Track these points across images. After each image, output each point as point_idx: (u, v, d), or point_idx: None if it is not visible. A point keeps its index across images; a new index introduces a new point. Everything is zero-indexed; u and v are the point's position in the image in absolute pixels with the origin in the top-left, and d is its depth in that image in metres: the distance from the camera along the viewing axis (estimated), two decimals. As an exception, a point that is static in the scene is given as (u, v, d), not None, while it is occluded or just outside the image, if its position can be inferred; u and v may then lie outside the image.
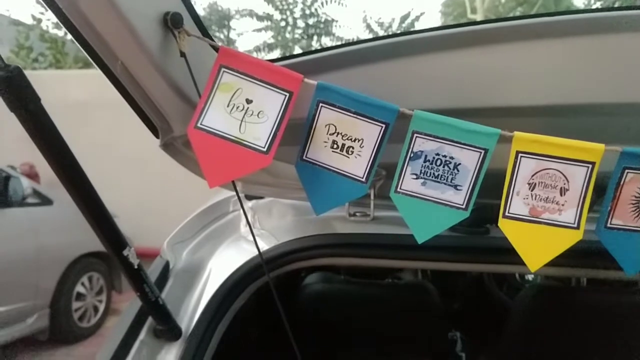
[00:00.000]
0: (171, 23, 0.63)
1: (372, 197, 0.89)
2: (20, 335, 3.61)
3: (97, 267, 4.34)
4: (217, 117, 0.64)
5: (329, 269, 2.00)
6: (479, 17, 9.86)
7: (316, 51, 0.79)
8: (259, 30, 10.00)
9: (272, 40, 9.94)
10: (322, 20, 10.05)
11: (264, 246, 0.89)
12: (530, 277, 2.88)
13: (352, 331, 1.36)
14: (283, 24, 10.07)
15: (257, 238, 0.92)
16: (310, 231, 0.87)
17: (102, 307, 4.36)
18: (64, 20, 0.61)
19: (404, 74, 0.73)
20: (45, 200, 4.10)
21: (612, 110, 0.72)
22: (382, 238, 0.82)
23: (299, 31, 10.27)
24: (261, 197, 0.98)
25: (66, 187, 0.58)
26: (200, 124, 0.64)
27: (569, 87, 0.71)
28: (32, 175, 5.54)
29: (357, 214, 0.90)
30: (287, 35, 10.12)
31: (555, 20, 0.68)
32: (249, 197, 1.00)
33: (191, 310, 0.88)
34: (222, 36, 9.81)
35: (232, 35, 10.04)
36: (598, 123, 0.74)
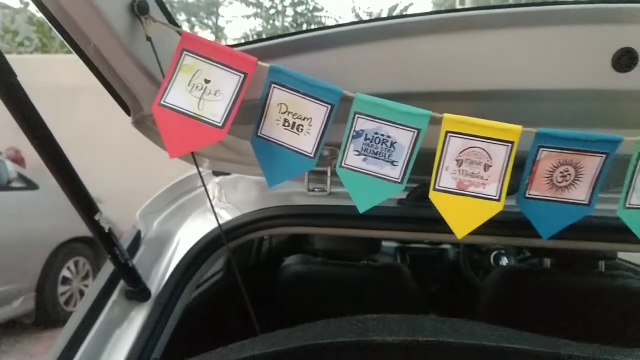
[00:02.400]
0: (138, 10, 0.70)
1: (329, 174, 0.98)
2: (6, 318, 3.66)
3: (83, 252, 4.39)
4: (178, 95, 0.72)
5: (309, 253, 2.09)
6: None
7: (276, 37, 0.86)
8: (248, 17, 10.01)
9: (261, 29, 9.98)
10: (312, 8, 10.09)
11: (228, 217, 0.97)
12: (504, 262, 3.01)
13: (327, 310, 1.45)
14: (272, 11, 10.09)
15: (223, 210, 1.01)
16: (270, 204, 0.96)
17: (88, 292, 4.41)
18: (41, 6, 0.68)
19: (351, 61, 0.81)
20: (31, 185, 4.14)
21: (532, 95, 0.80)
22: (334, 209, 0.91)
23: (289, 19, 10.30)
24: (228, 174, 1.06)
25: (39, 152, 0.65)
26: (164, 102, 0.72)
27: (495, 74, 0.79)
28: (18, 160, 5.56)
29: (316, 189, 0.98)
30: (277, 24, 10.15)
31: (485, 13, 0.77)
32: (217, 174, 1.08)
33: (161, 275, 0.96)
34: (210, 23, 9.81)
35: (221, 22, 10.05)
36: (520, 107, 0.82)
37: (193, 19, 9.52)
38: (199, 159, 1.01)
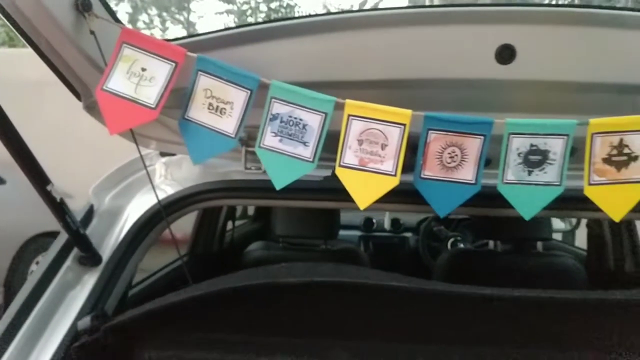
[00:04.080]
0: (81, 7, 0.81)
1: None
2: (-27, 312, 3.66)
3: (52, 247, 4.40)
4: (118, 81, 0.84)
5: (271, 240, 2.21)
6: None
7: (212, 32, 0.98)
8: (221, 13, 10.06)
9: (233, 25, 10.01)
10: (285, 5, 10.19)
11: (171, 192, 1.10)
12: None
13: None
14: (245, 7, 10.16)
15: (168, 187, 1.13)
16: (208, 180, 1.09)
17: (55, 285, 4.44)
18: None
19: (272, 53, 0.93)
20: (-3, 180, 4.15)
21: (426, 84, 0.94)
22: (262, 183, 1.03)
23: (262, 15, 10.38)
24: (173, 154, 1.18)
25: None
26: (105, 87, 0.84)
27: (394, 66, 0.93)
28: (-16, 154, 5.51)
29: (252, 167, 1.11)
30: (250, 20, 10.22)
31: (384, 13, 0.91)
32: (163, 154, 1.20)
33: (112, 244, 1.08)
34: (182, 18, 9.83)
35: (192, 17, 10.06)
36: (416, 94, 0.96)
37: (164, 14, 9.51)
38: (146, 140, 1.13)
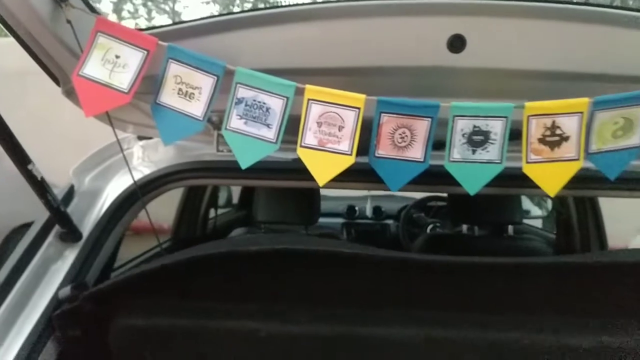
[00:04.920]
0: (58, -2, 0.88)
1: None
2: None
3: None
4: (93, 67, 0.90)
5: (254, 226, 2.28)
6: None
7: (184, 22, 1.05)
8: (207, 2, 10.02)
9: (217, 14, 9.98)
10: (271, -6, 10.16)
11: (147, 172, 1.17)
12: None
13: None
14: (233, -4, 10.15)
15: (146, 168, 1.20)
16: (181, 161, 1.16)
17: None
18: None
19: (238, 42, 1.00)
20: (-19, 167, 4.15)
21: (383, 71, 1.02)
22: (232, 164, 1.11)
23: (248, 5, 10.37)
24: (150, 138, 1.26)
25: None
26: (81, 73, 0.90)
27: (353, 54, 1.01)
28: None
29: (224, 150, 1.18)
30: (236, 9, 10.20)
31: (342, 5, 0.98)
32: (141, 138, 1.27)
33: (92, 221, 1.15)
34: (167, 8, 9.79)
35: (178, 7, 10.01)
36: (373, 81, 1.03)
37: (149, 3, 9.47)
38: (123, 125, 1.19)
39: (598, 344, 0.90)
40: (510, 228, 2.59)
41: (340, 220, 3.70)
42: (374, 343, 0.95)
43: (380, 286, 0.94)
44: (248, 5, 10.28)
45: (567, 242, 2.43)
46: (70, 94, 1.08)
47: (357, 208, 3.73)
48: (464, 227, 2.73)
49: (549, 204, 3.19)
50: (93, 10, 0.95)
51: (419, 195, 3.49)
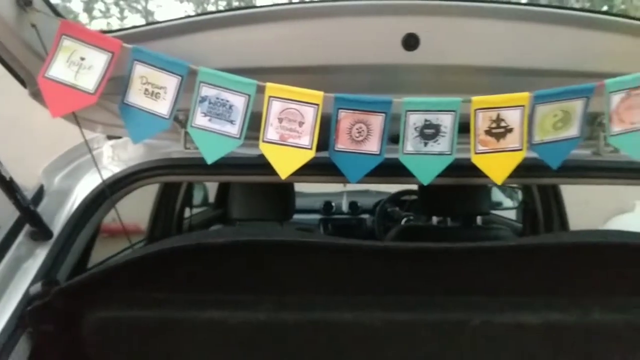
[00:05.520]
0: (22, 2, 0.90)
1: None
2: None
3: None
4: (59, 69, 0.93)
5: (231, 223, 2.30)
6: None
7: (150, 24, 1.09)
8: (180, 0, 9.91)
9: (193, 13, 9.91)
10: (245, -7, 10.14)
11: (116, 170, 1.20)
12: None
13: None
14: (206, -5, 10.08)
15: (114, 167, 1.23)
16: (150, 159, 1.20)
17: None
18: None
19: (202, 43, 1.04)
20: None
21: (341, 69, 1.08)
22: (198, 160, 1.15)
23: (223, 3, 10.33)
24: (119, 137, 1.29)
25: None
26: (47, 75, 0.93)
27: (312, 53, 1.06)
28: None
29: (191, 147, 1.21)
30: (210, 8, 10.14)
31: (302, 6, 1.03)
32: (110, 137, 1.30)
33: (62, 220, 1.18)
34: (139, 7, 9.68)
35: (151, 6, 9.87)
36: (331, 78, 1.09)
37: (121, 2, 9.35)
38: (92, 125, 1.22)
39: (544, 322, 0.98)
40: (479, 219, 2.69)
41: (317, 216, 3.76)
42: (338, 327, 1.01)
43: (342, 273, 1.00)
44: (223, 4, 10.23)
45: (532, 230, 2.54)
46: (37, 95, 1.10)
47: (333, 204, 3.80)
48: (434, 219, 2.81)
49: (520, 195, 3.30)
50: (57, 13, 0.98)
51: (393, 189, 3.57)
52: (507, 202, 3.55)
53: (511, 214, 3.43)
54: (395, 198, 3.51)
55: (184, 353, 1.04)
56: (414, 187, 2.88)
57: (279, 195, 1.89)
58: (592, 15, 1.06)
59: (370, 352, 1.00)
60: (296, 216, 3.35)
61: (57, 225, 1.17)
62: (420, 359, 1.02)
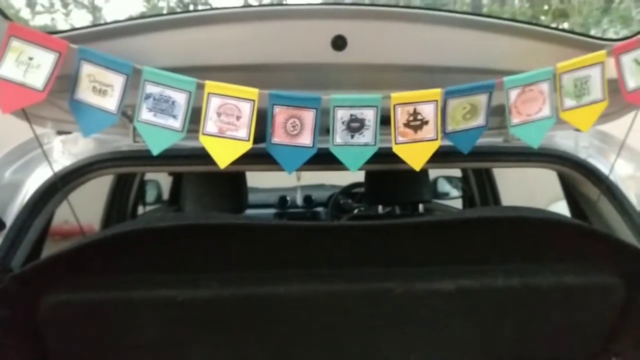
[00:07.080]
0: (-29, 6, 0.96)
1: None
2: None
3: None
4: (8, 69, 1.00)
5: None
6: None
7: (97, 25, 1.16)
8: (132, -2, 9.75)
9: (144, 9, 9.78)
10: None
11: (67, 164, 1.27)
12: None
13: None
14: (156, -8, 9.96)
15: (65, 161, 1.30)
16: (99, 152, 1.28)
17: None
18: None
19: (148, 44, 1.13)
20: None
21: (276, 67, 1.19)
22: (145, 152, 1.23)
23: (173, 1, 10.23)
24: (70, 132, 1.35)
25: None
26: (-3, 74, 1.00)
27: (249, 53, 1.16)
28: None
29: (139, 141, 1.29)
30: (161, 4, 10.02)
31: (241, 11, 1.13)
32: (60, 133, 1.36)
33: (15, 211, 1.23)
34: (86, 2, 9.44)
35: (99, 1, 9.62)
36: (266, 76, 1.20)
37: (66, -1, 9.10)
38: (42, 121, 1.28)
39: (457, 287, 1.12)
40: (421, 207, 2.86)
41: (272, 210, 3.85)
42: (278, 300, 1.12)
43: (279, 250, 1.11)
44: (173, 1, 10.13)
45: None
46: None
47: (288, 198, 3.90)
48: (380, 208, 2.97)
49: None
50: (6, 17, 1.04)
51: (345, 182, 3.72)
52: (454, 192, 3.77)
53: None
54: (347, 191, 3.65)
55: (136, 331, 1.12)
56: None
57: (231, 190, 1.97)
58: (495, 20, 1.21)
59: (304, 321, 1.12)
60: (252, 211, 3.43)
61: (10, 216, 1.23)
62: (351, 325, 1.15)
